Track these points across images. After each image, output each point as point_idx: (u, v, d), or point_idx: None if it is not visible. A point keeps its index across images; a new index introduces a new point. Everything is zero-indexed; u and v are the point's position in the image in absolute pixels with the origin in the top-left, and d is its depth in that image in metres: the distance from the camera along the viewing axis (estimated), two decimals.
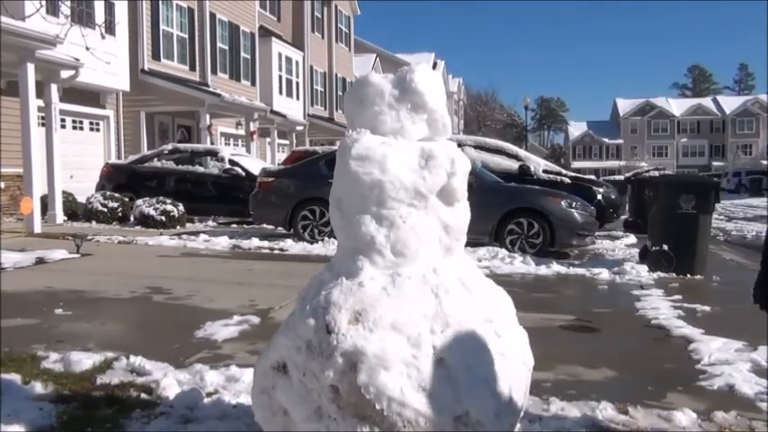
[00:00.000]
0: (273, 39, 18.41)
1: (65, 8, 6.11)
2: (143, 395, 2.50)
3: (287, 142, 19.55)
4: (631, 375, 3.00)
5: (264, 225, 8.35)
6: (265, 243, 7.41)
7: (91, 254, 6.27)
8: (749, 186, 32.80)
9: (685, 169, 47.72)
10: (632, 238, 8.70)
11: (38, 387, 2.54)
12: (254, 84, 17.21)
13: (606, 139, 58.63)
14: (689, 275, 5.68)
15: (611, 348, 3.45)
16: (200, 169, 10.17)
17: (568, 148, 60.36)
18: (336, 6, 23.53)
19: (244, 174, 9.86)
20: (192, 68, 14.45)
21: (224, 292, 4.59)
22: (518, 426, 2.02)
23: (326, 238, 7.35)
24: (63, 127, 10.36)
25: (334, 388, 1.80)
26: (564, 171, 9.62)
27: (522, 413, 2.06)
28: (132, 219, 9.16)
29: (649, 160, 50.31)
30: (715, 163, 53.30)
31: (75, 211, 9.63)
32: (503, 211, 6.90)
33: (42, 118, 8.49)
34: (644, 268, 5.79)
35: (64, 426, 2.23)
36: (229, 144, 16.41)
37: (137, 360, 2.85)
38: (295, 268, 5.67)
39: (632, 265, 5.94)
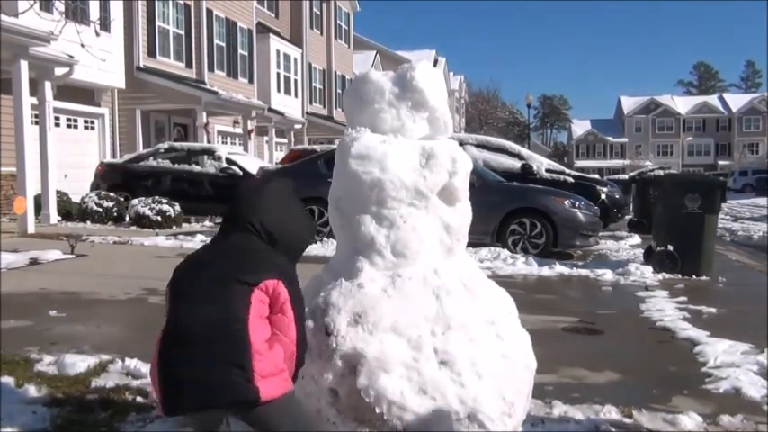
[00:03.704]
0: (271, 35, 18.34)
1: (59, 5, 6.05)
2: (138, 398, 2.48)
3: (285, 141, 19.50)
4: (636, 378, 2.97)
5: None
6: None
7: (85, 254, 6.22)
8: (756, 186, 32.64)
9: (691, 168, 47.60)
10: (637, 239, 8.66)
11: (31, 390, 2.52)
12: (251, 81, 17.14)
13: (610, 138, 58.56)
14: (694, 276, 5.63)
15: (615, 351, 3.42)
16: (197, 168, 10.11)
17: (572, 147, 60.32)
18: (335, 3, 23.47)
19: (241, 173, 9.80)
20: (189, 66, 14.38)
21: None
22: (520, 429, 1.99)
23: (325, 239, 7.30)
24: (57, 125, 10.28)
25: (334, 391, 1.78)
26: (567, 170, 9.57)
27: (524, 416, 2.03)
28: (127, 219, 9.09)
29: (654, 159, 50.17)
30: (721, 162, 53.14)
31: (70, 210, 9.56)
32: (505, 210, 6.84)
33: (36, 116, 8.42)
34: (648, 269, 5.75)
35: (58, 429, 2.22)
36: (226, 143, 16.36)
37: (132, 363, 2.82)
38: None
39: (637, 265, 5.89)
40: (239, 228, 1.68)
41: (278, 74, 18.67)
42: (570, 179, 8.92)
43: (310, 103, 21.67)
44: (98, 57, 8.09)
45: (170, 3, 13.75)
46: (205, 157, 10.30)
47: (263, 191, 1.78)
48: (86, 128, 11.90)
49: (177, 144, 11.27)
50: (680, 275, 5.64)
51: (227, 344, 1.47)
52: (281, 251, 1.70)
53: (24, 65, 7.73)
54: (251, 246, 1.65)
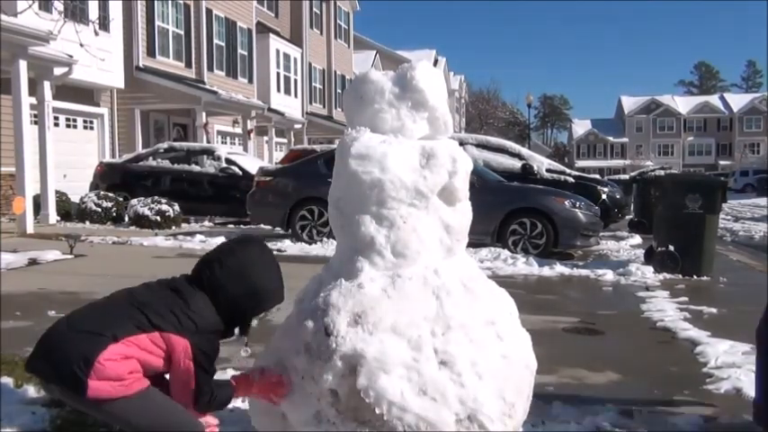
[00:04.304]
0: (271, 35, 18.33)
1: (58, 4, 6.04)
2: None
3: (285, 141, 19.50)
4: (636, 378, 2.97)
5: (262, 225, 8.29)
6: None
7: (84, 255, 6.21)
8: (757, 186, 32.55)
9: (692, 168, 47.48)
10: (637, 239, 8.65)
11: (30, 391, 2.51)
12: (251, 81, 17.14)
13: (611, 138, 58.44)
14: (695, 276, 5.63)
15: (615, 351, 3.42)
16: (197, 168, 10.10)
17: (572, 147, 60.20)
18: (335, 2, 23.46)
19: (241, 173, 9.79)
20: (188, 65, 14.37)
21: None
22: (521, 429, 1.99)
23: (325, 239, 7.30)
24: (56, 125, 10.27)
25: (334, 392, 1.77)
26: (568, 170, 9.56)
27: (525, 417, 2.02)
28: (127, 219, 9.08)
29: (655, 159, 50.05)
30: (722, 162, 52.95)
31: (69, 210, 9.55)
32: (505, 211, 6.84)
33: (35, 116, 8.41)
34: (649, 269, 5.74)
35: (57, 430, 2.22)
36: (226, 143, 16.35)
37: None
38: (293, 269, 5.54)
39: (637, 266, 5.89)
40: (194, 272, 1.79)
41: (278, 73, 18.66)
42: (571, 179, 8.91)
43: (310, 102, 21.66)
44: (97, 56, 8.08)
45: (169, 2, 13.74)
46: (204, 156, 10.28)
47: (234, 250, 1.82)
48: (85, 128, 11.89)
49: (177, 144, 11.26)
50: (681, 276, 5.63)
51: (90, 342, 1.59)
52: (223, 311, 1.75)
53: (23, 64, 7.73)
54: (187, 296, 1.72)
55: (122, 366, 1.59)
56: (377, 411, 1.72)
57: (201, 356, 1.68)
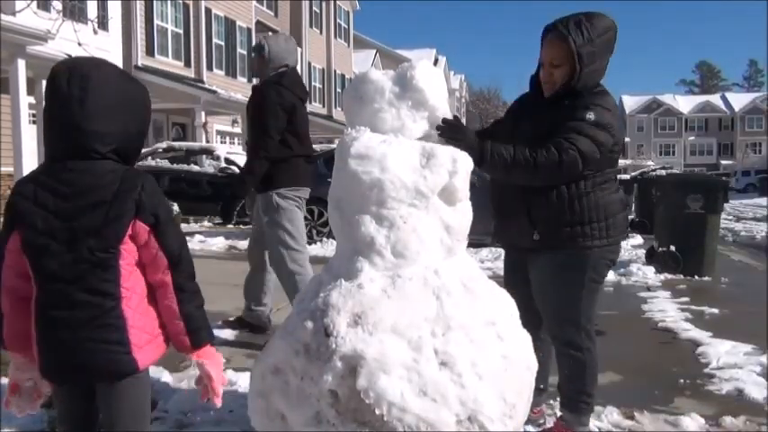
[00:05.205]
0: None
1: (56, 3, 6.04)
2: None
3: None
4: (637, 379, 2.97)
5: None
6: None
7: None
8: (758, 185, 32.66)
9: (693, 168, 47.40)
10: (639, 239, 8.64)
11: None
12: (250, 80, 17.13)
13: None
14: (696, 277, 5.63)
15: (616, 352, 3.39)
16: (196, 168, 10.08)
17: None
18: (335, 1, 23.45)
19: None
20: (187, 65, 14.36)
21: (220, 295, 4.51)
22: (521, 430, 1.98)
23: (325, 239, 7.30)
24: None
25: (333, 392, 1.76)
26: None
27: (525, 418, 2.01)
28: None
29: (656, 159, 49.86)
30: (723, 162, 52.79)
31: None
32: None
33: (33, 116, 8.41)
34: (650, 269, 5.74)
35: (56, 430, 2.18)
36: (225, 142, 16.36)
37: None
38: None
39: (639, 266, 5.89)
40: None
41: None
42: None
43: (310, 102, 21.66)
44: (96, 56, 8.08)
45: (168, 1, 13.73)
46: (204, 156, 10.28)
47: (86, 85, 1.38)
48: None
49: (176, 144, 11.24)
50: (682, 276, 5.63)
51: (102, 325, 1.40)
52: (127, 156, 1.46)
53: (22, 64, 7.72)
54: (96, 173, 1.40)
55: (149, 320, 1.50)
56: (377, 412, 1.72)
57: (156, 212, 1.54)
